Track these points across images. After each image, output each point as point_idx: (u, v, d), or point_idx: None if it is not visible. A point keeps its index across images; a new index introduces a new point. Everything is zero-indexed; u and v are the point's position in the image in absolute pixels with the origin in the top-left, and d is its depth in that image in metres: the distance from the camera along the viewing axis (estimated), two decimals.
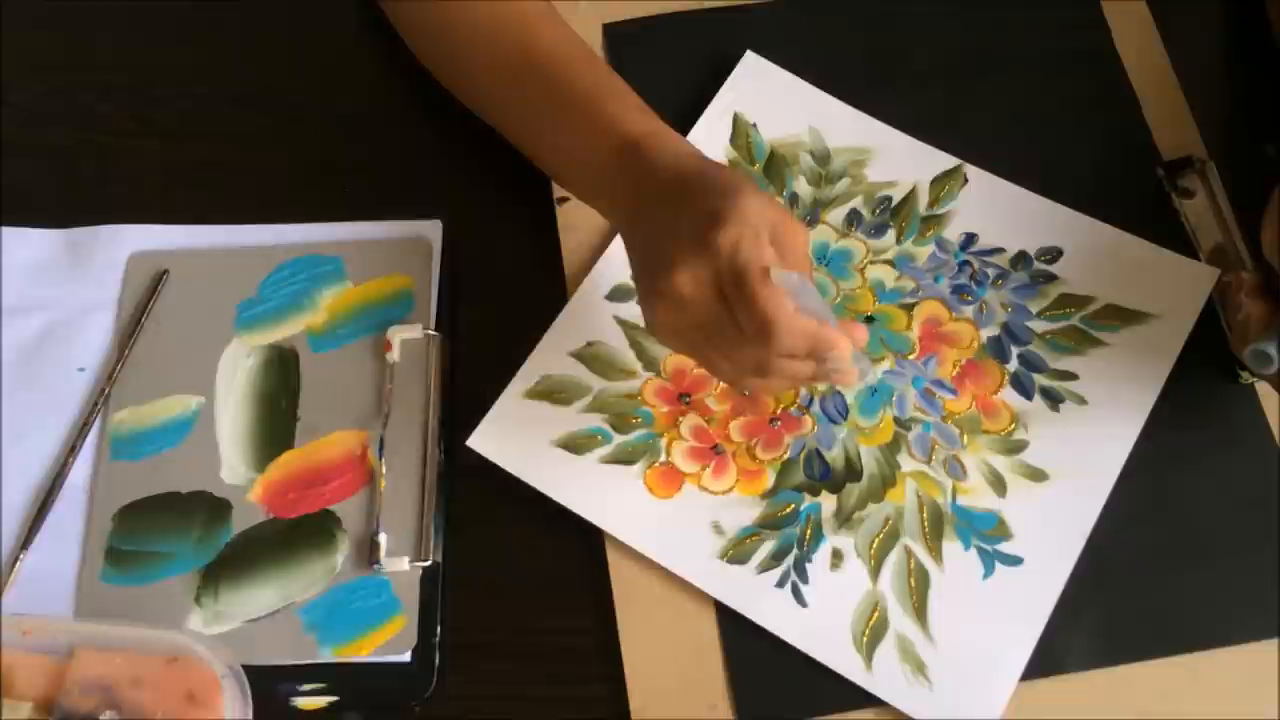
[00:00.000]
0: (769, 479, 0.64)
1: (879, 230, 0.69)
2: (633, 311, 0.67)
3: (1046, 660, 0.60)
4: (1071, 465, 0.63)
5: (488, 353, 0.67)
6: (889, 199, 0.70)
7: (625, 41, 0.75)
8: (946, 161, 0.71)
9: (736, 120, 0.72)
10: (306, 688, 0.61)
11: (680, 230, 0.55)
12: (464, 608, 0.63)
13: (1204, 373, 0.65)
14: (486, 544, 0.64)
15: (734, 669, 0.60)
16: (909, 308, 0.68)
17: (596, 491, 0.63)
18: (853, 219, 0.70)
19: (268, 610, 0.62)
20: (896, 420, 0.65)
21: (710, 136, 0.71)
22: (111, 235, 0.71)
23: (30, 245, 0.71)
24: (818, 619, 0.61)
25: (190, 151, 0.74)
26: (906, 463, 0.64)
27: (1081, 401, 0.65)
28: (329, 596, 0.62)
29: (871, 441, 0.65)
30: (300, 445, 0.66)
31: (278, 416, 0.66)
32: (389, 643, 0.61)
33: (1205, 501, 0.63)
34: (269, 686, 0.60)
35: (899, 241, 0.69)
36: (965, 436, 0.65)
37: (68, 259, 0.70)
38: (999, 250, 0.69)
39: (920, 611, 0.61)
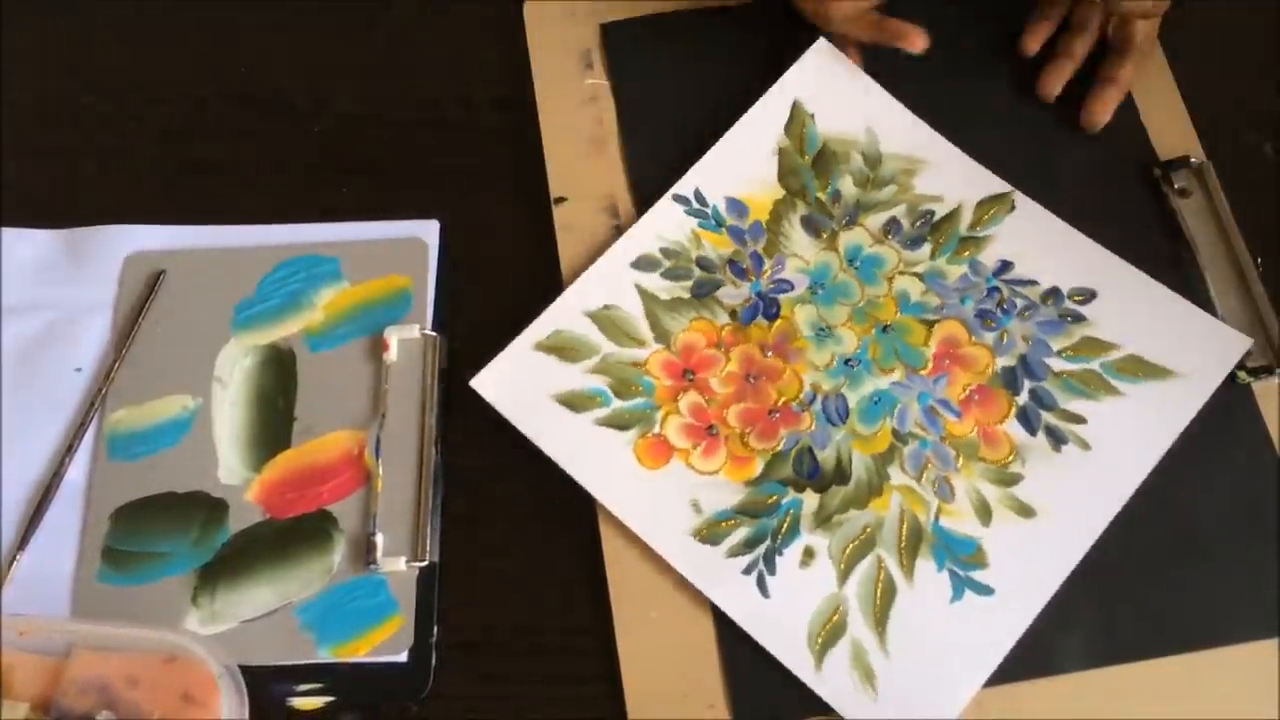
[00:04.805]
0: (757, 467, 0.64)
1: (915, 243, 0.69)
2: (654, 283, 0.68)
3: (1046, 660, 0.60)
4: (1061, 507, 0.63)
5: (485, 353, 0.67)
6: (931, 213, 0.70)
7: (625, 41, 0.75)
8: (998, 186, 0.70)
9: (795, 108, 0.72)
10: (303, 688, 0.61)
11: None
12: (460, 608, 0.63)
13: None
14: (483, 544, 0.64)
15: (731, 669, 0.60)
16: (930, 324, 0.67)
17: (586, 451, 0.64)
18: (891, 227, 0.69)
19: (264, 610, 0.62)
20: (895, 433, 0.65)
21: (766, 119, 0.72)
22: (110, 235, 0.71)
23: (29, 245, 0.71)
24: (777, 612, 0.61)
25: (190, 151, 0.74)
26: (896, 475, 0.64)
27: (1085, 446, 0.64)
28: (326, 596, 0.62)
29: (866, 449, 0.65)
30: (297, 445, 0.66)
31: (275, 417, 0.66)
32: (386, 643, 0.61)
33: (1204, 501, 0.63)
34: (266, 686, 0.60)
35: (933, 257, 0.69)
36: (960, 460, 0.64)
37: (66, 259, 0.70)
38: (1032, 283, 0.68)
39: (880, 622, 0.61)
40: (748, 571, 0.62)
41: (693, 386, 0.66)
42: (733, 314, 0.68)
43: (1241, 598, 0.61)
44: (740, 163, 0.71)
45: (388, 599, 0.62)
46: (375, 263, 0.70)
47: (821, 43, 0.73)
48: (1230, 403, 0.65)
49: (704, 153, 0.71)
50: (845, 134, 0.72)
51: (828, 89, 0.72)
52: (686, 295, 0.68)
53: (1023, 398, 0.65)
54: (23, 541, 0.63)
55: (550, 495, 0.64)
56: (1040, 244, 0.69)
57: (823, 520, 0.63)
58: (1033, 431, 0.64)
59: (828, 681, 0.59)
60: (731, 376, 0.66)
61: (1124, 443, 0.64)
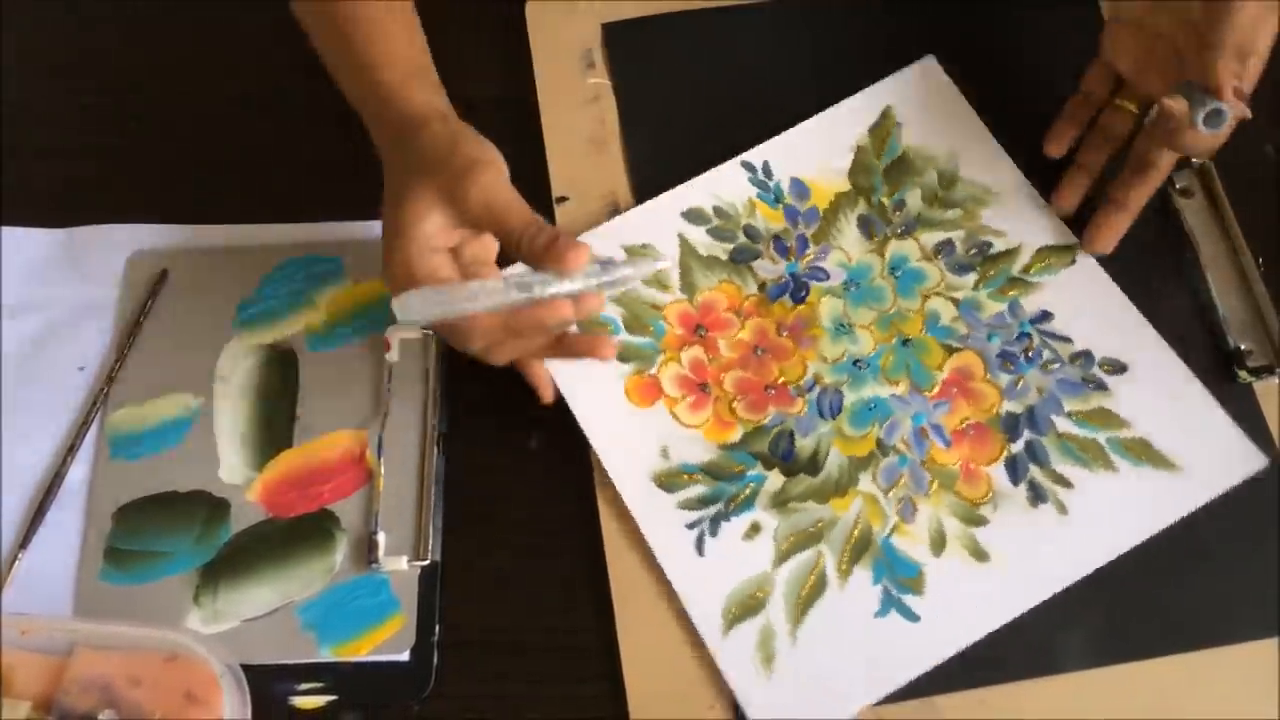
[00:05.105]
0: (736, 434, 0.65)
1: (963, 269, 0.68)
2: (698, 236, 0.69)
3: (1046, 660, 0.60)
4: (1018, 560, 0.61)
5: None
6: (989, 245, 0.69)
7: (627, 41, 0.75)
8: (1064, 237, 0.69)
9: (886, 113, 0.72)
10: (305, 687, 0.61)
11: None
12: (462, 607, 0.63)
13: (1204, 372, 0.65)
14: (485, 543, 0.64)
15: None
16: (950, 350, 0.67)
17: (580, 372, 0.64)
18: (943, 248, 0.69)
19: (266, 609, 0.62)
20: (879, 442, 0.65)
21: (854, 115, 0.72)
22: (111, 235, 0.71)
23: (30, 245, 0.71)
24: (705, 572, 0.61)
25: (190, 151, 0.74)
26: (865, 482, 0.64)
27: (1062, 510, 0.62)
28: (327, 596, 0.62)
29: (846, 449, 0.64)
30: (299, 444, 0.66)
31: (276, 416, 0.66)
32: (387, 642, 0.61)
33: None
34: (267, 686, 0.60)
35: (976, 288, 0.68)
36: (934, 486, 0.63)
37: (67, 259, 0.70)
38: (1066, 339, 0.67)
39: (800, 612, 0.61)
40: (691, 527, 0.62)
41: (700, 342, 0.67)
42: (762, 286, 0.68)
43: (1242, 597, 0.61)
44: (816, 148, 0.71)
45: (389, 598, 0.62)
46: (377, 262, 0.68)
47: (929, 59, 0.73)
48: (1232, 403, 0.65)
49: (705, 152, 0.71)
50: (928, 149, 0.71)
51: (924, 103, 0.72)
52: (724, 257, 0.69)
53: (1017, 446, 0.64)
54: (25, 540, 0.63)
55: (553, 494, 0.64)
56: (1088, 305, 0.67)
57: (780, 502, 0.63)
58: (1015, 481, 0.63)
59: (728, 651, 0.60)
60: (740, 344, 0.67)
61: (1102, 519, 0.62)
